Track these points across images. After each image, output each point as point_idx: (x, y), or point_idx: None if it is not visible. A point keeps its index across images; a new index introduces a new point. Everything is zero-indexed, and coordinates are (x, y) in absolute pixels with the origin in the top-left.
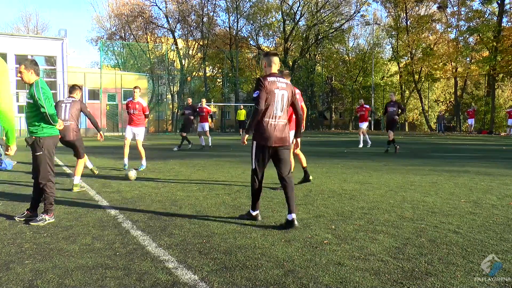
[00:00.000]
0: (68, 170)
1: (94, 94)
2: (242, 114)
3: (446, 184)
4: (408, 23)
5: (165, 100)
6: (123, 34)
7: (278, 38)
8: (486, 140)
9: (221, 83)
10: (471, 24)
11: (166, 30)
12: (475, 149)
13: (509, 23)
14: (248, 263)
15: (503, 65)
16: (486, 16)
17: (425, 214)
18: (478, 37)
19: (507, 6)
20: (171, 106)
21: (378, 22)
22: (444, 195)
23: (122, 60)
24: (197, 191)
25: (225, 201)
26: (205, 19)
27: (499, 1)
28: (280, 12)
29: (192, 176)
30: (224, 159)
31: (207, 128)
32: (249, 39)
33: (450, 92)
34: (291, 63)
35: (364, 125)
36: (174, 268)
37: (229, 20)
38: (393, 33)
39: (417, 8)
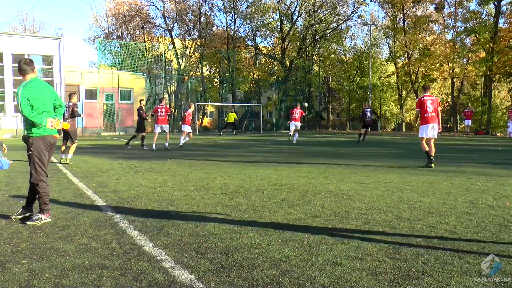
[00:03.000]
0: (64, 170)
1: (91, 94)
2: (232, 117)
3: (443, 184)
4: (405, 23)
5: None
6: (120, 34)
7: (276, 38)
8: (483, 140)
9: (218, 83)
10: (468, 25)
11: (163, 29)
12: (471, 149)
13: (506, 24)
14: (245, 263)
15: (500, 66)
16: (483, 17)
17: (422, 214)
18: (475, 38)
19: (504, 7)
20: (168, 106)
21: (375, 22)
22: (440, 195)
23: (119, 59)
24: (194, 191)
25: (222, 201)
26: (202, 19)
27: (495, 2)
28: (277, 12)
29: (189, 176)
30: (221, 159)
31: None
32: (247, 39)
33: (447, 93)
34: (288, 63)
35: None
36: (171, 268)
37: (226, 20)
38: (390, 33)
39: (414, 8)
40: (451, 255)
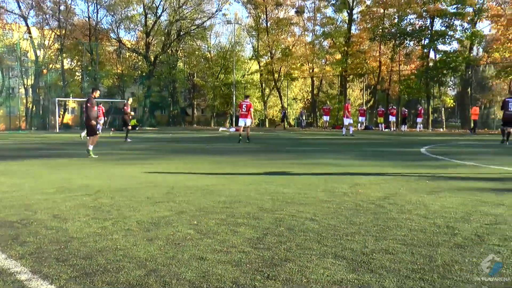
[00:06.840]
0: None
1: None
2: None
3: (303, 176)
4: (268, 24)
5: (17, 94)
6: None
7: (140, 32)
8: (337, 134)
9: (80, 77)
10: (325, 29)
11: (17, 16)
12: (330, 143)
13: (357, 30)
14: (109, 266)
15: (353, 67)
16: (338, 23)
17: (284, 204)
18: (332, 42)
19: (355, 16)
20: (24, 101)
21: (239, 21)
22: (301, 186)
23: None
24: (56, 193)
25: (85, 202)
26: (62, 7)
27: (348, 11)
28: (141, 5)
29: (50, 178)
30: (82, 159)
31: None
32: (110, 32)
33: (307, 91)
34: (152, 58)
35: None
36: (27, 279)
37: (88, 9)
38: (253, 33)
39: (276, 11)
40: (311, 241)
